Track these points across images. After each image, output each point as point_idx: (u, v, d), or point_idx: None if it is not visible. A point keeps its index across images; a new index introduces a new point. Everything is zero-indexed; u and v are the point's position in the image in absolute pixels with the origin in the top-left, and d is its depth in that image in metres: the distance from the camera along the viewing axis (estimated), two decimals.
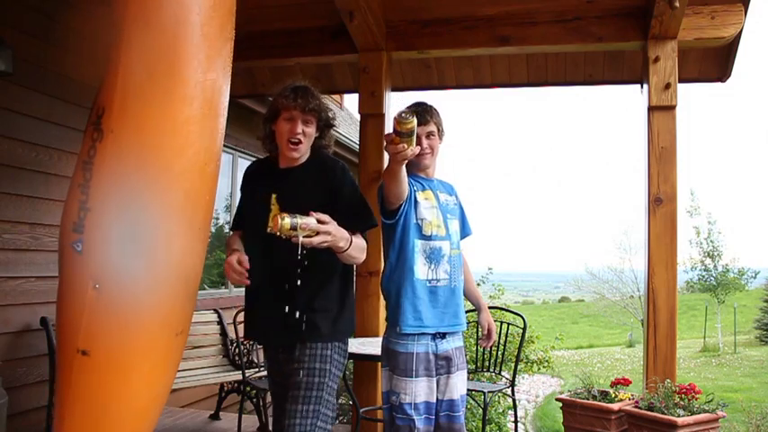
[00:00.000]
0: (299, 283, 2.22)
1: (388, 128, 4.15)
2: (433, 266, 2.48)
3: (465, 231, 2.73)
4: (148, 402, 1.84)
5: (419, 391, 2.40)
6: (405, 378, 2.41)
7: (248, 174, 2.49)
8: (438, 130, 2.55)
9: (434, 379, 2.46)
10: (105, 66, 1.82)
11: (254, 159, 2.57)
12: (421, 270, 2.47)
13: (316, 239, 2.03)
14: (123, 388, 1.77)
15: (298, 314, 2.26)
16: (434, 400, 2.45)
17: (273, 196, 2.30)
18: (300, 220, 1.98)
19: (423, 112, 2.49)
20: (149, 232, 1.78)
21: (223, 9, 1.88)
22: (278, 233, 1.98)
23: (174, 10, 1.77)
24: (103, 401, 1.75)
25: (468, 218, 2.77)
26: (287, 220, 1.95)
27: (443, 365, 2.48)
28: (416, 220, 2.49)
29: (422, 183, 2.55)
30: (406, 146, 2.06)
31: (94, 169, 1.72)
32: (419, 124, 2.41)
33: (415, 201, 2.48)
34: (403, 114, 2.02)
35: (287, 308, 2.24)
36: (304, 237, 2.00)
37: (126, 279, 1.74)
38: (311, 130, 2.30)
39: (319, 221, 2.04)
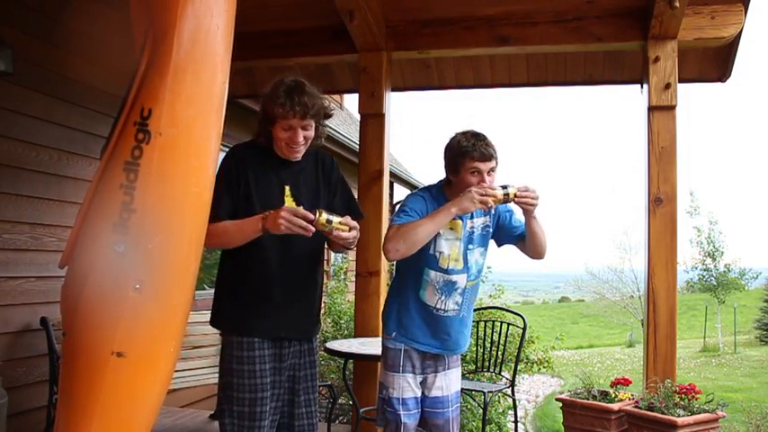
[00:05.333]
0: (314, 274, 2.37)
1: (388, 128, 4.15)
2: (443, 297, 2.45)
3: (520, 233, 2.54)
4: (162, 399, 1.89)
5: (406, 386, 2.46)
6: (392, 373, 2.48)
7: (243, 158, 2.31)
8: (497, 166, 2.43)
9: (421, 376, 2.50)
10: (143, 63, 1.83)
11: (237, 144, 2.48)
12: (430, 297, 2.46)
13: (351, 234, 2.14)
14: (153, 387, 1.82)
15: (316, 306, 2.42)
16: (421, 396, 2.51)
17: (287, 188, 2.30)
18: (335, 217, 2.10)
19: (486, 146, 2.36)
20: (187, 234, 1.85)
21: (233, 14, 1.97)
22: (314, 226, 2.07)
23: (217, 19, 1.87)
24: (136, 402, 1.78)
25: (518, 225, 2.54)
26: (324, 216, 2.07)
27: (431, 365, 2.51)
28: (433, 251, 2.43)
29: None
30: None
31: (141, 171, 1.74)
32: (483, 159, 2.37)
33: (438, 232, 2.41)
34: None
35: (308, 299, 2.38)
36: (340, 230, 2.11)
37: (165, 280, 1.79)
38: (311, 133, 2.27)
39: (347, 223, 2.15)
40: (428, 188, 2.57)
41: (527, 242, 2.50)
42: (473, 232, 2.49)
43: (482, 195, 2.26)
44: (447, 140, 2.48)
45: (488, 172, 2.38)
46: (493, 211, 2.52)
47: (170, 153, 1.78)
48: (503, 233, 2.58)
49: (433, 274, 2.44)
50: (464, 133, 2.43)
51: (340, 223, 2.10)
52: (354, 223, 2.15)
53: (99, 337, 1.71)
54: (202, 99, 1.85)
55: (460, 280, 2.46)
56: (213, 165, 1.93)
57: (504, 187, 2.32)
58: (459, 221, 2.45)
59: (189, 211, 1.85)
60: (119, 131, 1.79)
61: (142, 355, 1.75)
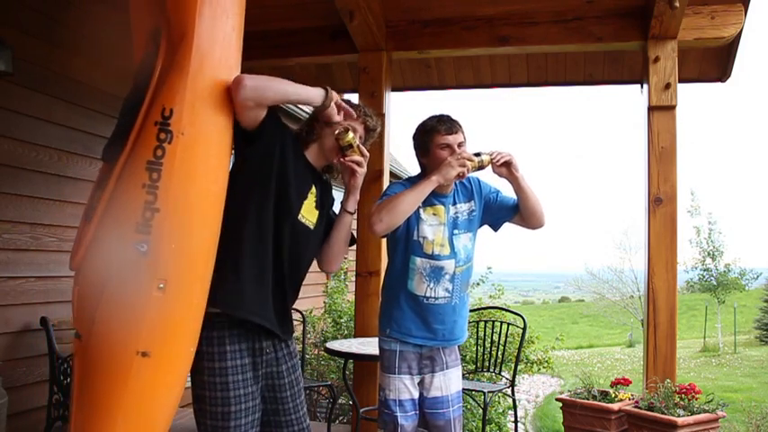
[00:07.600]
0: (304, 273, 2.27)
1: (388, 128, 4.16)
2: (431, 285, 2.45)
3: (513, 204, 2.56)
4: (179, 399, 1.90)
5: (402, 388, 2.46)
6: (389, 375, 2.48)
7: (294, 140, 2.19)
8: (465, 140, 2.49)
9: (418, 377, 2.50)
10: (159, 64, 1.84)
11: None
12: (418, 287, 2.46)
13: (361, 162, 2.17)
14: (174, 387, 1.83)
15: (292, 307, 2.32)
16: (420, 397, 2.50)
17: (313, 191, 2.24)
18: (358, 142, 2.18)
19: (451, 121, 2.46)
20: (207, 234, 1.87)
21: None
22: (340, 139, 2.14)
23: (232, 20, 1.95)
24: (158, 402, 1.78)
25: (507, 199, 2.57)
26: (351, 135, 2.14)
27: (427, 365, 2.51)
28: (417, 237, 2.46)
29: (432, 198, 2.45)
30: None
31: (164, 170, 1.76)
32: (450, 132, 2.46)
33: (419, 218, 2.45)
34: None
35: (289, 299, 2.27)
36: (354, 154, 2.16)
37: (188, 279, 1.80)
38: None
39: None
40: (409, 178, 2.61)
41: (522, 208, 2.53)
42: (457, 217, 2.52)
43: (459, 160, 2.36)
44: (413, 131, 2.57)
45: (458, 146, 2.45)
46: (477, 197, 2.56)
47: (191, 152, 1.81)
48: (496, 212, 2.59)
49: (419, 261, 2.45)
50: (428, 117, 2.53)
51: (359, 146, 2.18)
52: (367, 154, 2.22)
53: (123, 337, 1.71)
54: (220, 99, 1.88)
55: (448, 265, 2.46)
56: (228, 165, 1.95)
57: (477, 154, 2.43)
58: (442, 207, 2.49)
59: (209, 211, 1.87)
60: (136, 132, 1.80)
61: (165, 354, 1.76)
